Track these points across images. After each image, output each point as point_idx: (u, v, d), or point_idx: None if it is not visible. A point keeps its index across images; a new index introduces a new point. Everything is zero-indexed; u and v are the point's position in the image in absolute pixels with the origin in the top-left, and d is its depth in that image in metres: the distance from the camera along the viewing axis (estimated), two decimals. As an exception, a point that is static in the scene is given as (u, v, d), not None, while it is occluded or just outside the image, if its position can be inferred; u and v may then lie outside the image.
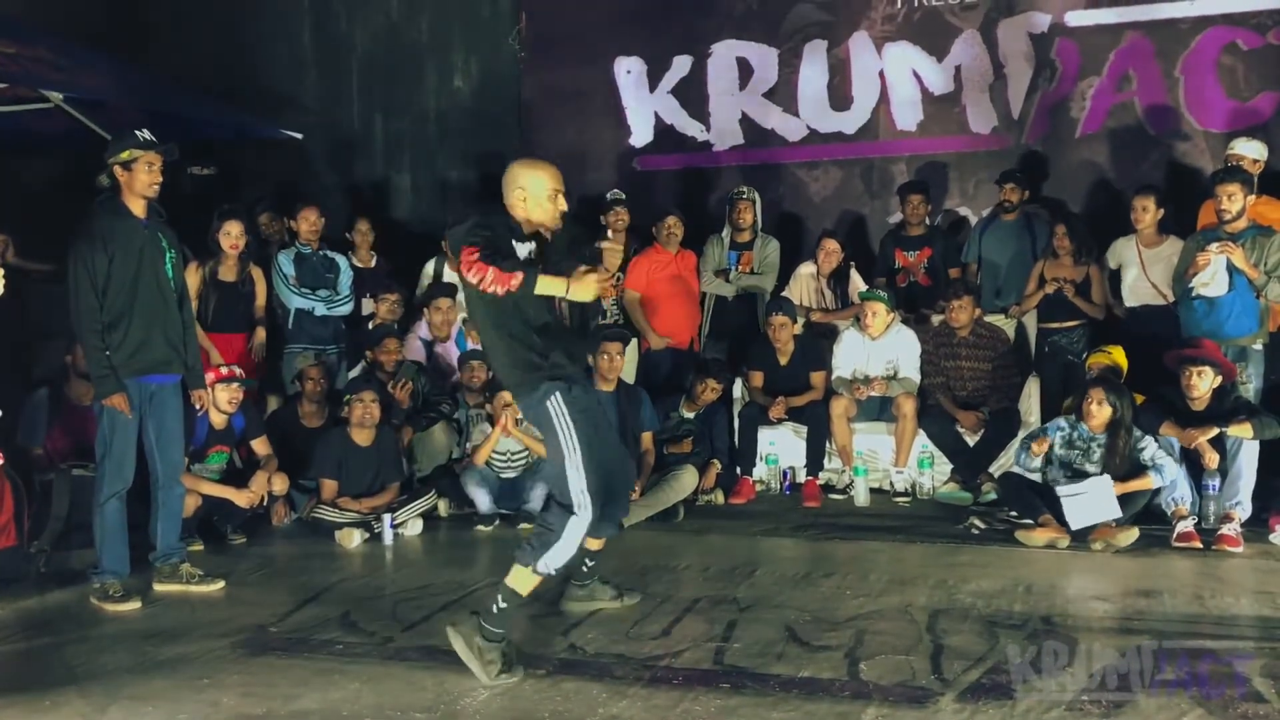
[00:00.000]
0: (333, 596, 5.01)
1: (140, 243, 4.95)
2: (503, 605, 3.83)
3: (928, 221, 7.79)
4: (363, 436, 6.40)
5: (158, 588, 5.11)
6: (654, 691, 3.70)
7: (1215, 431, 5.66)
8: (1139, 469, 5.65)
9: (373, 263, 7.73)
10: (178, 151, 5.03)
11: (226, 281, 6.80)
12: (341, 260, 7.40)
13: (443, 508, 6.58)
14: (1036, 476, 5.89)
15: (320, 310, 7.21)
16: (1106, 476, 5.59)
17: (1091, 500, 5.54)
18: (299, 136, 8.07)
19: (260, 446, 6.24)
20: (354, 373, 7.10)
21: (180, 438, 5.20)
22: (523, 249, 3.95)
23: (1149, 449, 5.67)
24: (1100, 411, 5.75)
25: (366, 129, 9.41)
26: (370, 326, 7.35)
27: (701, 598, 4.78)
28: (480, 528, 6.25)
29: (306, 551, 5.86)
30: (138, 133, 4.93)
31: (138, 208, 4.96)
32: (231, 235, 6.73)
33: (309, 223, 7.30)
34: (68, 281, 4.85)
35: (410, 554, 5.96)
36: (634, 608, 4.60)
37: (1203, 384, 5.75)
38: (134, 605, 4.86)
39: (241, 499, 5.98)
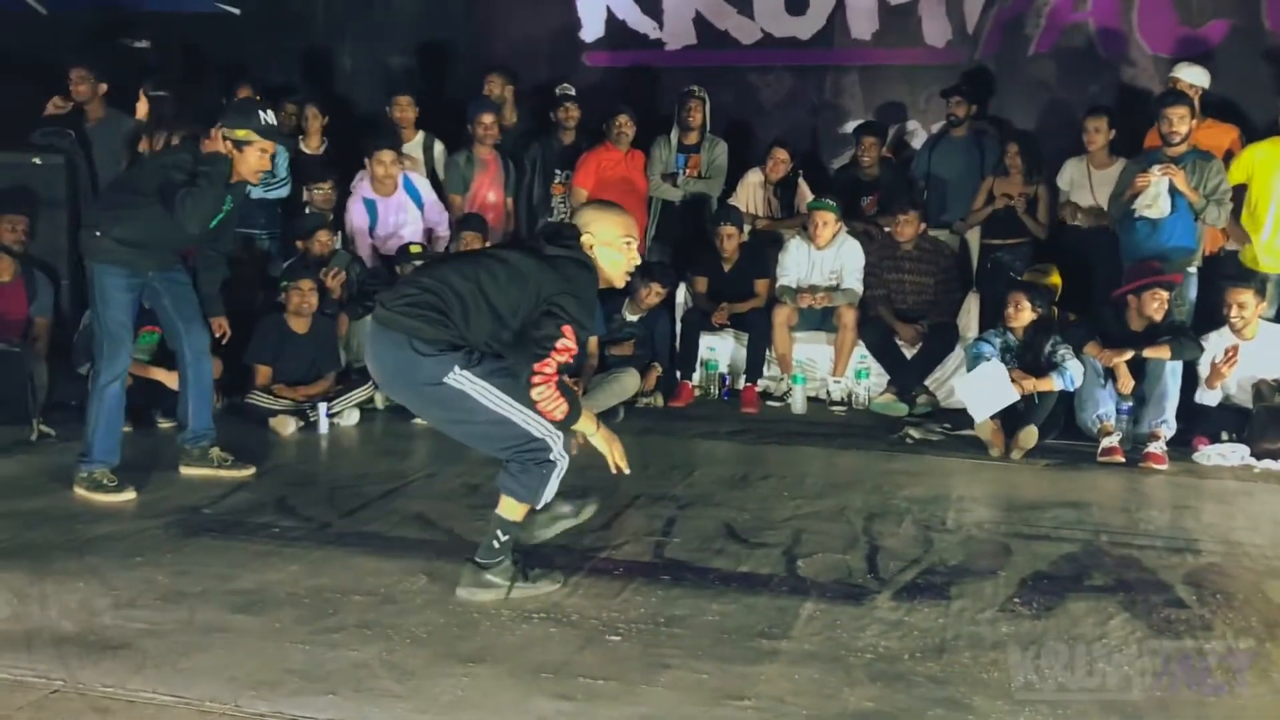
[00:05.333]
0: (268, 482, 4.96)
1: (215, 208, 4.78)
2: (503, 539, 3.54)
3: (876, 155, 7.67)
4: (300, 324, 6.28)
5: (185, 471, 4.99)
6: (595, 581, 3.72)
7: (1131, 354, 5.77)
8: (1051, 370, 5.76)
9: (322, 149, 7.51)
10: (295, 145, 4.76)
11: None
12: (279, 142, 7.16)
13: (379, 399, 6.49)
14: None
15: (256, 193, 6.97)
16: (996, 362, 5.72)
17: (987, 387, 5.66)
18: (236, 11, 7.74)
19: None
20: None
21: (199, 315, 5.02)
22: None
23: (1061, 352, 5.77)
24: (1019, 315, 5.89)
25: (308, 7, 9.03)
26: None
27: (641, 495, 4.80)
28: (419, 420, 6.17)
29: (239, 438, 5.74)
30: (261, 114, 4.69)
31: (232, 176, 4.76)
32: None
33: (246, 103, 7.03)
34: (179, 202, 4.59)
35: (346, 443, 5.91)
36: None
37: (1155, 305, 5.84)
38: (129, 496, 4.61)
39: (172, 381, 5.82)
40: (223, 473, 4.98)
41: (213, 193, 4.63)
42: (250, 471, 5.04)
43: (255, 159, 4.68)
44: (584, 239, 3.50)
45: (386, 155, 7.06)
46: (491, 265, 3.44)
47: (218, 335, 5.15)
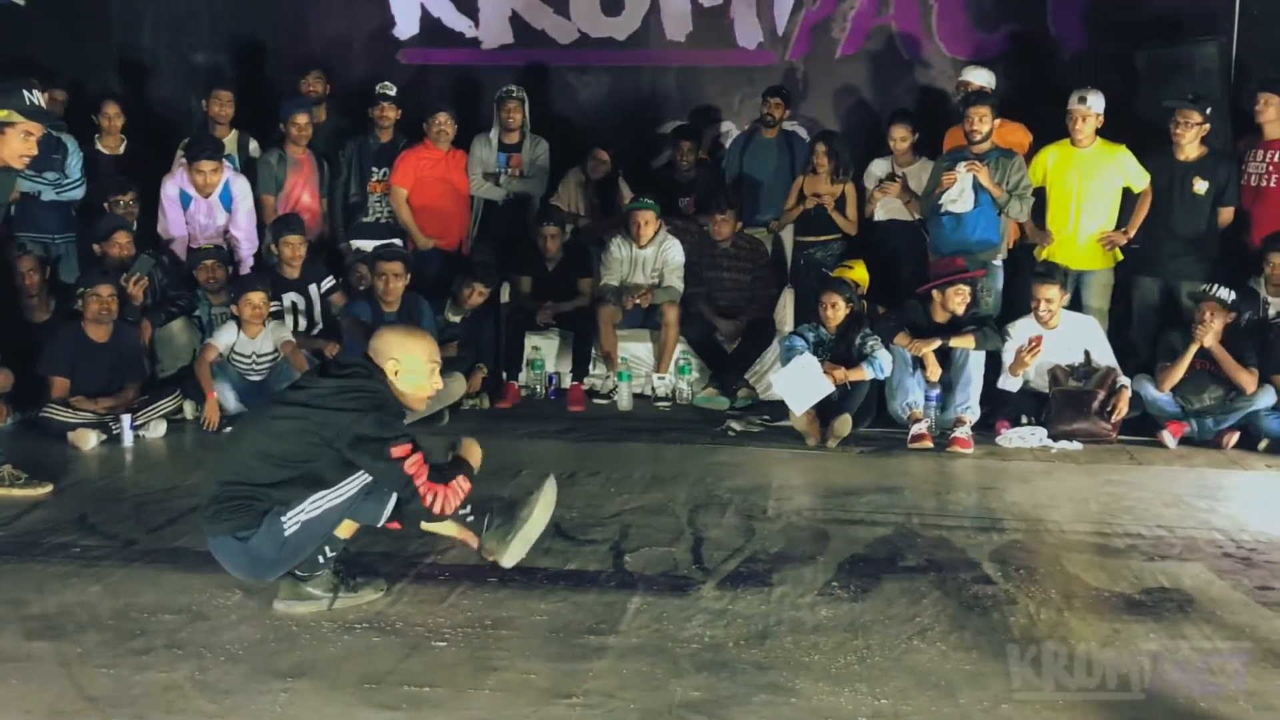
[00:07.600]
0: (67, 500, 4.68)
1: None
2: (329, 554, 3.44)
3: (694, 159, 7.82)
4: (99, 332, 5.96)
5: None
6: (420, 587, 3.65)
7: (937, 343, 6.05)
8: (862, 361, 6.00)
9: (121, 149, 7.13)
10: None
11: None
12: (69, 140, 6.73)
13: (188, 409, 6.22)
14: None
15: (48, 195, 6.60)
16: (807, 355, 5.91)
17: (802, 380, 5.83)
18: (20, 3, 7.27)
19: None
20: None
21: None
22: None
23: (871, 343, 6.03)
24: (836, 313, 6.12)
25: (101, 1, 8.56)
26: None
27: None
28: (229, 430, 5.93)
29: (35, 454, 5.40)
30: (26, 93, 4.22)
31: None
32: None
33: (33, 99, 6.59)
34: None
35: (153, 456, 5.63)
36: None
37: (958, 300, 6.12)
38: None
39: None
40: (15, 492, 4.67)
41: None
42: (47, 489, 4.74)
43: (18, 143, 4.29)
44: (388, 365, 3.45)
45: (206, 165, 6.75)
46: (271, 425, 3.42)
47: None
